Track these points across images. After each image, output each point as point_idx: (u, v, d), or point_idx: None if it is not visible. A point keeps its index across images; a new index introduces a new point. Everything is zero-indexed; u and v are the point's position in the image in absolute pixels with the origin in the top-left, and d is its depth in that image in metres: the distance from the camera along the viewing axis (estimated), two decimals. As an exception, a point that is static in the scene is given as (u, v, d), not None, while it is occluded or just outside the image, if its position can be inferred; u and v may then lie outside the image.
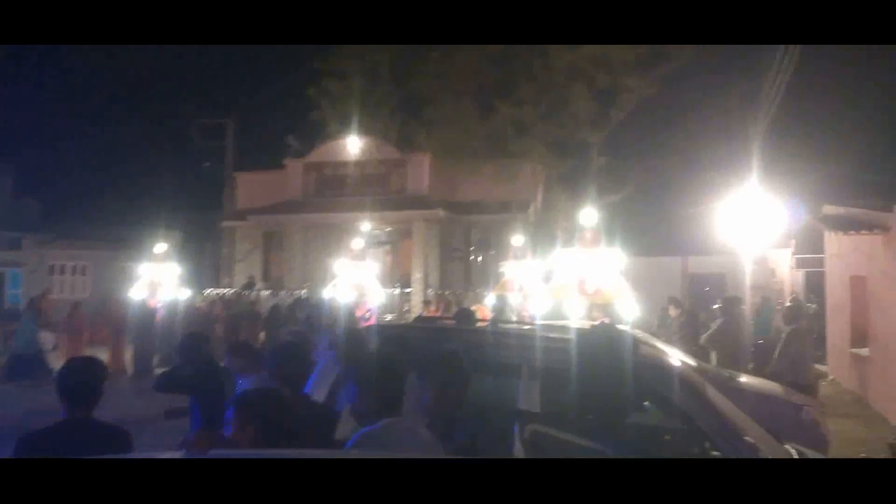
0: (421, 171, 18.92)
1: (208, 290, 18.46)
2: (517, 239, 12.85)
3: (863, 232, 10.14)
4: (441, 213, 17.95)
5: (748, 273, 14.80)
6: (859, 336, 11.45)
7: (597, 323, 4.03)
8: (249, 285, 18.82)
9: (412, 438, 2.25)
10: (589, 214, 9.51)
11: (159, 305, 13.19)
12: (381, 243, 19.91)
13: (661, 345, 6.48)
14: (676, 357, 4.27)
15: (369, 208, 17.38)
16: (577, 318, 7.75)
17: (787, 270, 19.06)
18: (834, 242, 12.78)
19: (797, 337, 8.03)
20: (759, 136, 11.83)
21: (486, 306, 11.96)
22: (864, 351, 11.03)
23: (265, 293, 18.02)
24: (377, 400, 2.34)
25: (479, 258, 19.61)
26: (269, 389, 2.47)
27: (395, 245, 20.15)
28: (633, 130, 17.79)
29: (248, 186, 21.46)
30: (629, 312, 9.11)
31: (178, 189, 24.28)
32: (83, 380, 2.76)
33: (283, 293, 17.41)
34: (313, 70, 18.20)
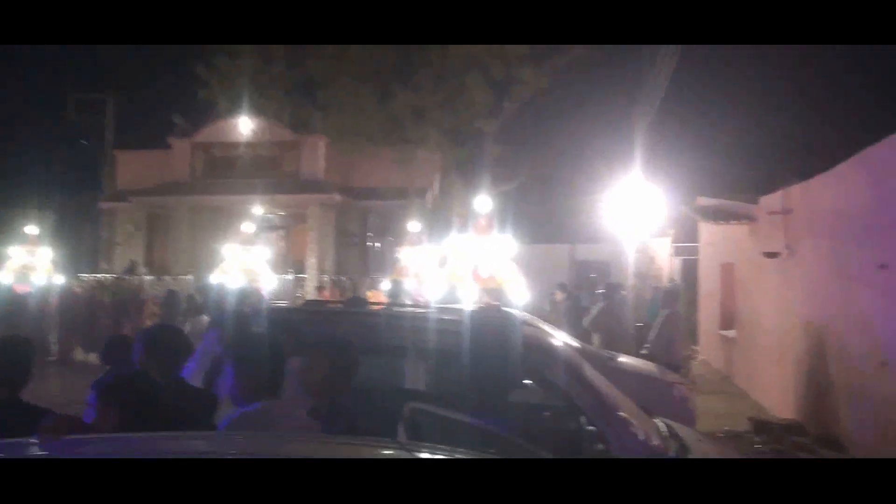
0: (316, 155, 18.54)
1: (85, 275, 17.32)
2: (414, 225, 12.92)
3: (732, 222, 10.94)
4: (337, 197, 17.72)
5: (630, 260, 15.64)
6: (727, 319, 12.38)
7: (483, 305, 4.13)
8: (131, 270, 17.84)
9: (289, 420, 2.23)
10: (483, 202, 9.69)
11: (29, 291, 12.29)
12: (274, 228, 19.41)
13: (547, 328, 6.74)
14: (559, 338, 4.46)
15: (261, 191, 16.86)
16: (470, 303, 7.90)
17: (665, 258, 20.29)
18: (707, 232, 13.75)
19: (672, 320, 8.57)
20: (643, 130, 12.45)
21: (381, 292, 11.96)
22: (731, 333, 11.95)
23: (149, 278, 17.14)
24: (255, 383, 2.31)
25: (377, 244, 19.55)
26: (132, 373, 2.37)
27: (290, 230, 19.70)
28: (526, 121, 18.30)
29: (130, 166, 20.27)
30: (520, 297, 9.40)
31: (52, 168, 22.64)
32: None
33: (167, 278, 16.63)
34: (202, 45, 17.40)
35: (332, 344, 2.81)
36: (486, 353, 3.35)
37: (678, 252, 19.49)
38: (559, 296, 10.97)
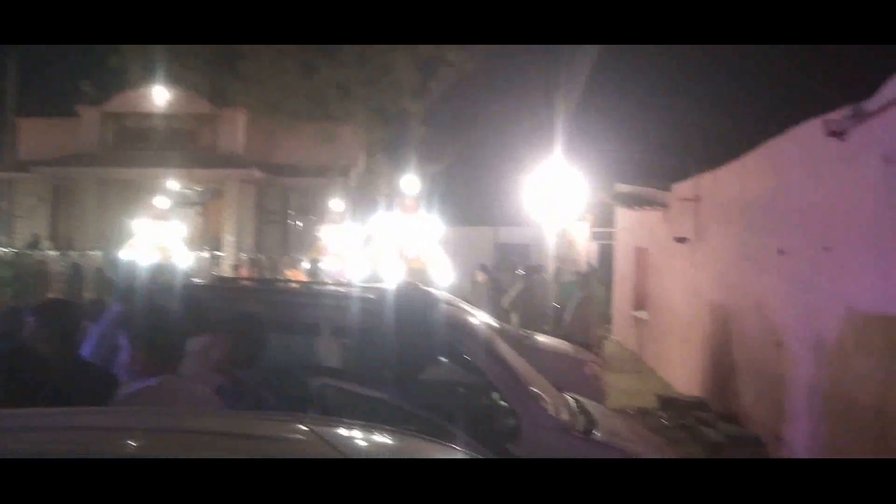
0: (235, 128, 17.89)
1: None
2: (336, 203, 12.77)
3: (646, 208, 11.35)
4: (256, 173, 17.20)
5: (550, 244, 15.97)
6: (640, 301, 12.89)
7: (400, 284, 4.13)
8: (34, 244, 16.81)
9: (191, 397, 2.16)
10: (410, 182, 9.70)
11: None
12: (190, 203, 18.69)
13: (466, 307, 6.81)
14: (477, 318, 4.51)
15: (176, 165, 16.16)
16: (392, 282, 7.90)
17: (584, 242, 20.87)
18: (623, 217, 14.20)
19: (587, 302, 8.85)
20: (564, 116, 12.69)
21: (301, 271, 11.77)
22: (643, 314, 12.45)
23: (53, 253, 16.20)
24: (153, 357, 2.22)
25: (298, 223, 19.17)
26: (12, 348, 2.24)
27: (207, 206, 19.02)
28: (453, 103, 18.30)
29: (33, 134, 18.98)
30: (444, 278, 9.48)
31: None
32: None
33: (73, 253, 15.75)
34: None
35: (237, 320, 2.74)
36: (402, 331, 3.35)
37: (596, 237, 20.08)
38: (480, 277, 11.12)
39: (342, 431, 1.61)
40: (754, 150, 6.92)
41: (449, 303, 4.46)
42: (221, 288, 4.48)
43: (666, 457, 3.79)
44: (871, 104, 4.53)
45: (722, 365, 7.86)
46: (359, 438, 1.62)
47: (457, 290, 11.78)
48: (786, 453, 5.99)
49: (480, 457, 1.67)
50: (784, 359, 6.08)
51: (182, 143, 17.40)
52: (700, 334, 8.69)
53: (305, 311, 3.91)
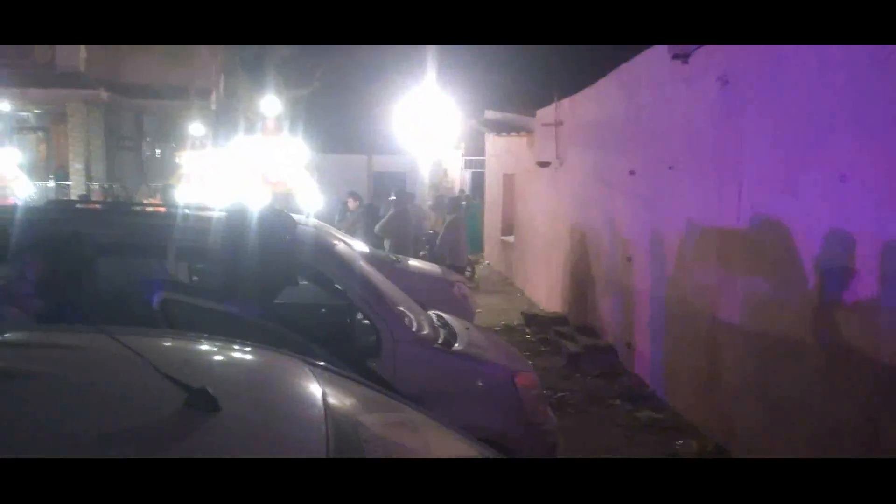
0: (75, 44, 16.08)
1: None
2: (196, 128, 11.96)
3: (513, 134, 11.56)
4: (103, 94, 15.60)
5: (424, 172, 15.94)
6: (508, 226, 13.30)
7: (257, 207, 3.95)
8: None
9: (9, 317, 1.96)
10: (271, 103, 9.24)
11: None
12: (30, 128, 16.81)
13: (331, 232, 6.70)
14: (340, 242, 4.44)
15: (7, 84, 14.35)
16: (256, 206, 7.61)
17: (457, 171, 21.11)
18: (492, 144, 14.40)
19: (455, 225, 8.99)
20: (439, 48, 12.43)
21: (159, 200, 11.03)
22: (511, 238, 12.88)
23: None
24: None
25: (157, 149, 17.82)
26: None
27: (50, 131, 17.17)
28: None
29: None
30: (311, 203, 9.24)
31: None
32: None
33: None
34: None
35: (58, 241, 2.50)
36: (255, 252, 3.23)
37: (468, 165, 20.38)
38: (352, 204, 10.91)
39: (153, 340, 1.55)
40: (608, 75, 7.15)
41: (308, 227, 4.34)
42: (57, 210, 4.09)
43: (528, 371, 3.97)
44: (712, 28, 4.75)
45: (580, 282, 8.32)
46: (167, 345, 1.57)
47: (328, 217, 11.60)
48: (636, 359, 6.51)
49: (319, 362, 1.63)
50: (633, 272, 6.52)
51: (13, 59, 15.36)
52: (560, 254, 9.12)
53: (154, 234, 3.68)
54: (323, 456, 1.07)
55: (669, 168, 5.58)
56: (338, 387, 1.48)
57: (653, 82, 5.98)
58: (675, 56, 5.08)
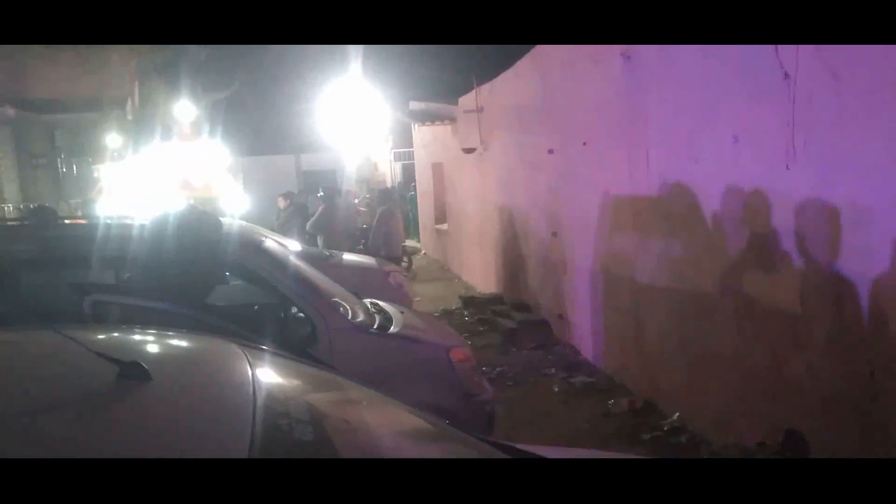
0: (-25, 60, 15.25)
1: None
2: (113, 139, 11.58)
3: (437, 123, 11.68)
4: (10, 111, 14.89)
5: (353, 167, 15.86)
6: (440, 214, 13.44)
7: (178, 206, 3.93)
8: None
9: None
10: (186, 108, 9.07)
11: None
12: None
13: (260, 231, 6.68)
14: (269, 240, 4.46)
15: None
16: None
17: (387, 164, 21.13)
18: (419, 135, 14.49)
19: (387, 216, 9.04)
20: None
21: (79, 216, 10.65)
22: (444, 226, 13.03)
23: None
24: None
25: (73, 165, 17.11)
26: None
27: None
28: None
29: None
30: (237, 206, 9.13)
31: None
32: None
33: None
34: None
35: None
36: (182, 252, 3.24)
37: (398, 157, 20.43)
38: (282, 203, 10.88)
39: (92, 331, 1.62)
40: (523, 58, 7.34)
41: (235, 226, 4.35)
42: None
43: (462, 346, 4.11)
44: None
45: (512, 262, 8.54)
46: (103, 335, 1.62)
47: (260, 219, 11.48)
48: (568, 330, 6.76)
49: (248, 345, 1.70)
50: (559, 247, 6.75)
51: None
52: (492, 237, 9.32)
53: (77, 244, 3.66)
54: (249, 418, 1.15)
55: (584, 144, 5.81)
56: (267, 361, 1.56)
57: (563, 61, 6.20)
58: (581, 36, 5.29)
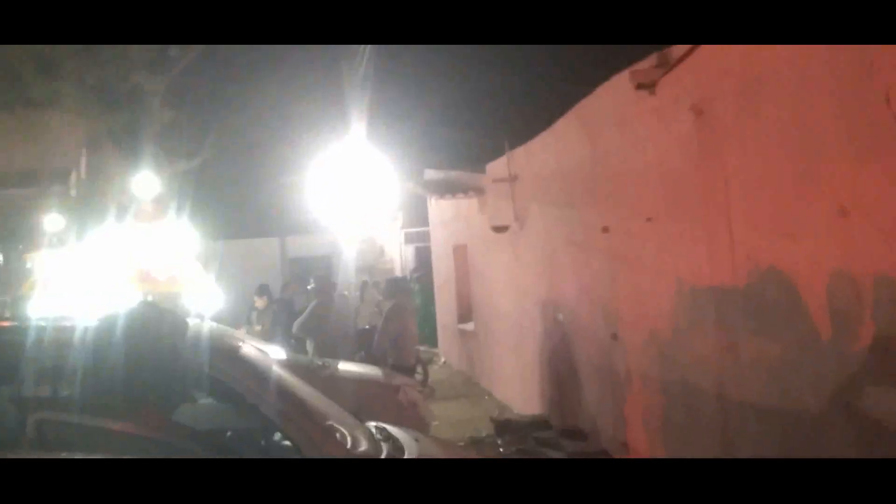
0: None
1: None
2: (53, 220, 11.94)
3: (460, 195, 11.93)
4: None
5: (354, 253, 16.11)
6: (465, 310, 13.50)
7: (135, 304, 4.04)
8: None
9: None
10: (147, 182, 9.38)
11: None
12: None
13: (243, 337, 6.76)
14: (246, 347, 4.52)
15: None
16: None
17: (396, 248, 21.45)
18: (437, 211, 14.78)
19: (396, 315, 9.10)
20: (359, 94, 12.88)
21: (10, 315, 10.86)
22: (469, 326, 13.06)
23: None
24: None
25: None
26: None
27: None
28: (209, 77, 17.73)
29: None
30: (209, 304, 9.24)
31: None
32: None
33: None
34: None
35: None
36: (139, 362, 3.30)
37: (409, 239, 20.75)
38: (259, 302, 11.03)
39: None
40: (565, 114, 7.57)
41: (205, 329, 4.42)
42: None
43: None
44: (677, 50, 5.18)
45: (559, 373, 8.48)
46: None
47: (236, 320, 11.60)
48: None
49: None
50: (620, 352, 6.72)
51: None
52: (532, 340, 9.30)
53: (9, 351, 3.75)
54: None
55: (648, 220, 5.89)
56: None
57: (617, 117, 6.38)
58: (640, 86, 5.48)
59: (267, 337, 9.58)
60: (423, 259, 18.73)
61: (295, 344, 9.63)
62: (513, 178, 9.49)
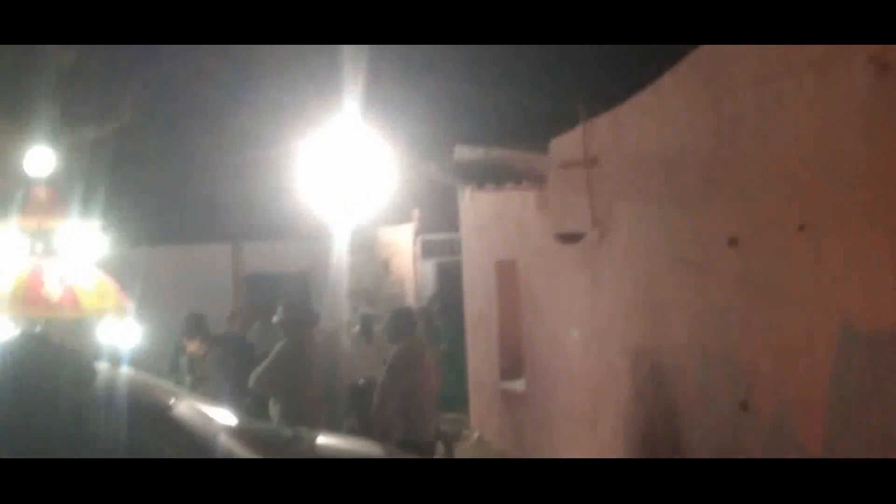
0: None
1: None
2: None
3: (507, 186, 11.82)
4: None
5: (343, 268, 16.14)
6: (512, 361, 13.38)
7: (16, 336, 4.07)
8: None
9: None
10: (42, 158, 9.37)
11: None
12: None
13: (176, 389, 6.76)
14: (188, 405, 4.54)
15: None
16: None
17: (408, 262, 21.40)
18: (471, 209, 14.69)
19: (407, 363, 9.02)
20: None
21: None
22: (519, 384, 12.95)
23: None
24: None
25: None
26: None
27: None
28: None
29: None
30: (126, 338, 9.27)
31: None
32: None
33: None
34: None
35: None
36: (21, 418, 3.31)
37: (429, 250, 20.69)
38: (192, 346, 10.79)
39: None
40: (676, 66, 7.48)
41: (120, 377, 4.44)
42: None
43: None
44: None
45: (658, 453, 8.37)
46: None
47: (162, 359, 11.64)
48: None
49: None
50: (754, 428, 6.61)
51: None
52: (618, 406, 9.19)
53: None
54: None
55: (800, 228, 5.79)
56: None
57: (759, 78, 6.29)
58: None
59: (209, 391, 9.51)
60: (449, 281, 18.66)
61: (251, 403, 9.57)
62: (591, 163, 9.41)
